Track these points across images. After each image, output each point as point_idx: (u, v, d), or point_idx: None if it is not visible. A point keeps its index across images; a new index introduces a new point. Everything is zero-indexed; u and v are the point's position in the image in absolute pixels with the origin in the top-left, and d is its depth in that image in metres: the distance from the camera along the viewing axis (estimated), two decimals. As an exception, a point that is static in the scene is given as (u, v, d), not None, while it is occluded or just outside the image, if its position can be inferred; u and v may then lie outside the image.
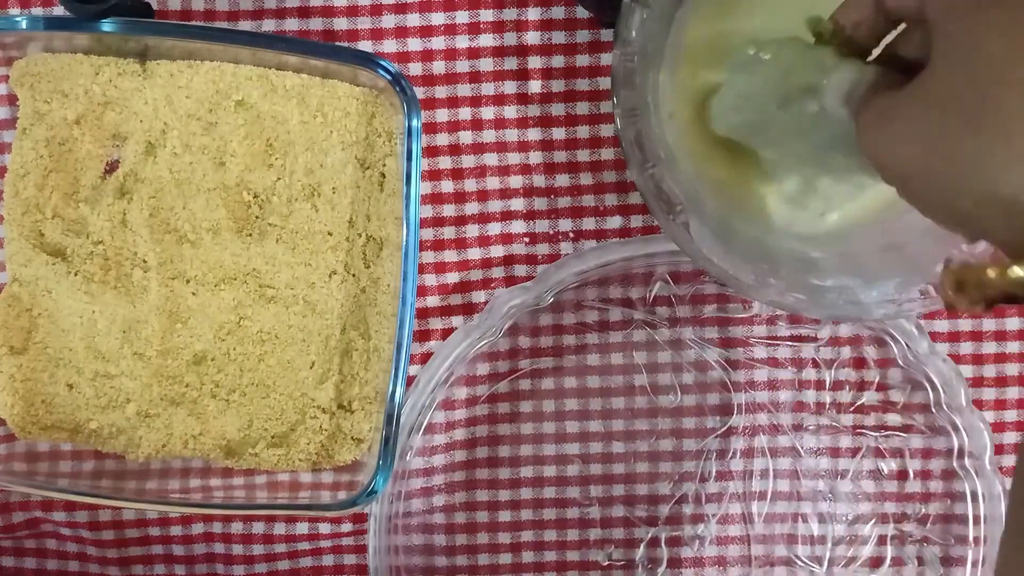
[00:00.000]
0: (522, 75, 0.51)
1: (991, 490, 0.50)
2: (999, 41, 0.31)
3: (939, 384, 0.51)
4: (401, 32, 0.50)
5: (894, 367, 0.52)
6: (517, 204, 0.51)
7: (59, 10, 0.45)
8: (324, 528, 0.53)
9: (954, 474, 0.52)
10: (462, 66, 0.50)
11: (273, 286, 0.48)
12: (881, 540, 0.53)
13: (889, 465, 0.53)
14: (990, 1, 0.32)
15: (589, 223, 0.52)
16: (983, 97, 0.30)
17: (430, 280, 0.52)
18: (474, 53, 0.50)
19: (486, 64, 0.50)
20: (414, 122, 0.45)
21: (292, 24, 0.50)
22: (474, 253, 0.52)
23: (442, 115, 0.51)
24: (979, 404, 0.52)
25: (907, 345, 0.50)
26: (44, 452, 0.51)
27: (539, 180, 0.51)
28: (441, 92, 0.51)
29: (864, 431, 0.53)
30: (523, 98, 0.51)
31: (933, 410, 0.51)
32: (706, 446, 0.53)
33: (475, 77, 0.50)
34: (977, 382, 0.52)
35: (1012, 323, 0.52)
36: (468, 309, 0.52)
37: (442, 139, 0.51)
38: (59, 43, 0.47)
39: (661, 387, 0.52)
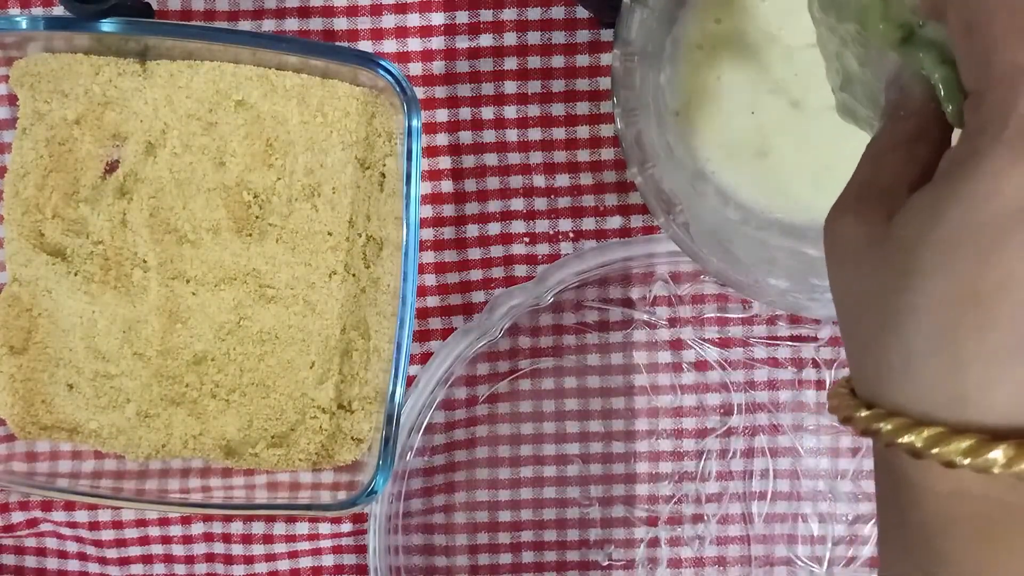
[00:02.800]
0: (522, 75, 0.51)
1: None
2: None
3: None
4: (401, 32, 0.50)
5: (894, 367, 0.52)
6: (517, 204, 0.51)
7: (59, 10, 0.45)
8: (324, 528, 0.53)
9: (954, 474, 0.52)
10: (462, 66, 0.50)
11: (273, 286, 0.48)
12: (881, 540, 0.53)
13: (889, 465, 0.53)
14: None
15: (589, 223, 0.52)
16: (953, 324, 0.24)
17: (430, 280, 0.52)
18: (474, 53, 0.50)
19: (486, 64, 0.50)
20: (414, 122, 0.45)
21: (292, 24, 0.50)
22: (474, 253, 0.52)
23: (442, 115, 0.51)
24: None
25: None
26: (44, 452, 0.51)
27: (539, 180, 0.51)
28: (441, 92, 0.51)
29: (864, 431, 0.53)
30: (523, 98, 0.51)
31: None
32: (706, 446, 0.53)
33: (475, 77, 0.50)
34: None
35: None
36: (468, 309, 0.52)
37: (442, 139, 0.51)
38: (59, 43, 0.47)
39: (661, 387, 0.52)
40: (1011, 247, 0.24)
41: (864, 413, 0.27)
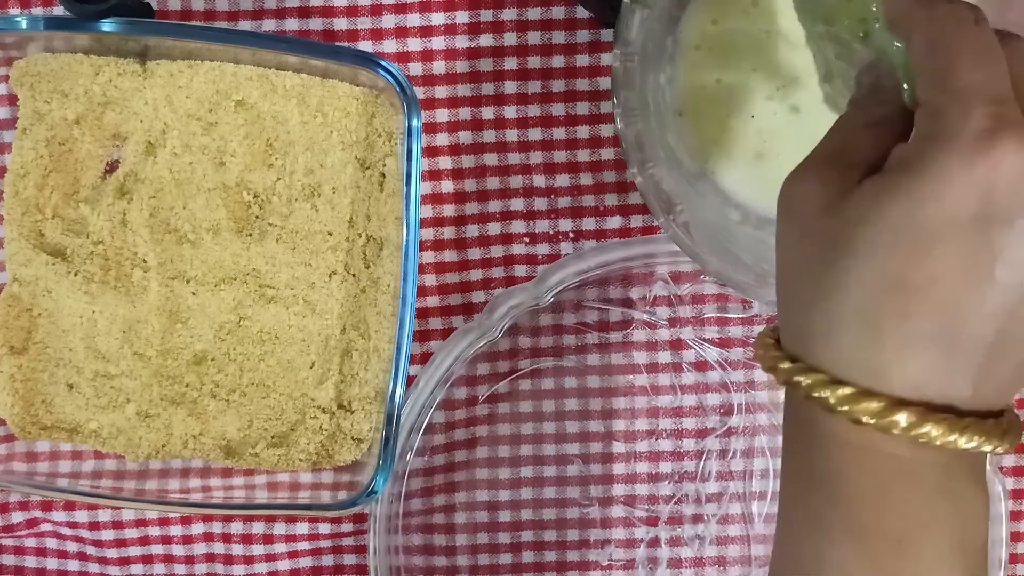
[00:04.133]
0: (522, 75, 0.50)
1: (991, 489, 0.50)
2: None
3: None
4: (401, 32, 0.50)
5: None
6: (517, 204, 0.51)
7: (59, 10, 0.45)
8: (324, 528, 0.53)
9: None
10: (462, 66, 0.50)
11: (273, 286, 0.48)
12: (881, 540, 0.53)
13: (889, 465, 0.53)
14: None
15: (589, 223, 0.52)
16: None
17: (430, 280, 0.52)
18: (474, 53, 0.50)
19: (486, 64, 0.50)
20: (414, 122, 0.45)
21: (292, 24, 0.50)
22: (474, 253, 0.52)
23: (442, 115, 0.51)
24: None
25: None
26: (44, 452, 0.51)
27: (539, 180, 0.51)
28: (441, 92, 0.51)
29: (864, 431, 0.52)
30: (523, 98, 0.51)
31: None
32: (706, 446, 0.53)
33: (475, 77, 0.50)
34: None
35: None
36: (468, 309, 0.52)
37: (442, 139, 0.51)
38: (59, 43, 0.47)
39: (661, 387, 0.52)
40: (941, 252, 0.27)
41: (787, 365, 0.30)
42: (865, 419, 0.28)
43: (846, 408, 0.28)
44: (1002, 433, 0.29)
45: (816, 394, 0.29)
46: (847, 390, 0.28)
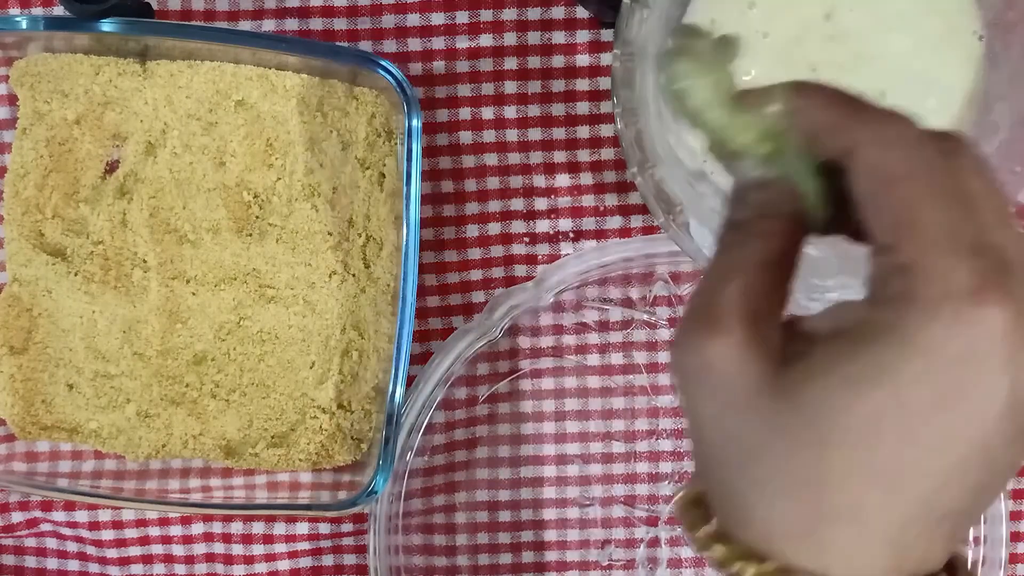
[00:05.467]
0: (522, 75, 0.51)
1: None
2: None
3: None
4: (401, 32, 0.50)
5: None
6: (517, 204, 0.51)
7: (59, 10, 0.45)
8: (324, 528, 0.53)
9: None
10: (462, 66, 0.50)
11: (273, 286, 0.49)
12: (881, 540, 0.53)
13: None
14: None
15: (589, 223, 0.52)
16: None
17: (430, 280, 0.52)
18: (474, 53, 0.50)
19: (486, 64, 0.50)
20: (414, 122, 0.45)
21: (292, 24, 0.50)
22: (474, 253, 0.52)
23: (442, 115, 0.51)
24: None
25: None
26: (44, 452, 0.51)
27: (539, 180, 0.51)
28: (441, 92, 0.51)
29: (864, 431, 0.52)
30: (523, 98, 0.51)
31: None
32: (706, 446, 0.53)
33: (475, 77, 0.50)
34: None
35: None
36: (468, 309, 0.52)
37: (442, 139, 0.51)
38: (59, 43, 0.47)
39: (661, 387, 0.52)
40: (928, 434, 0.23)
41: (700, 534, 0.28)
42: None
43: None
44: None
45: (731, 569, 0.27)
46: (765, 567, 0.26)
